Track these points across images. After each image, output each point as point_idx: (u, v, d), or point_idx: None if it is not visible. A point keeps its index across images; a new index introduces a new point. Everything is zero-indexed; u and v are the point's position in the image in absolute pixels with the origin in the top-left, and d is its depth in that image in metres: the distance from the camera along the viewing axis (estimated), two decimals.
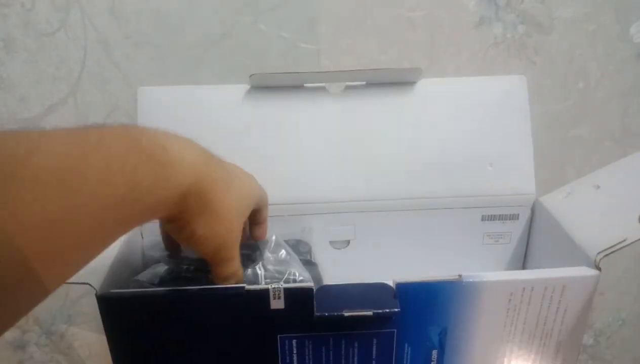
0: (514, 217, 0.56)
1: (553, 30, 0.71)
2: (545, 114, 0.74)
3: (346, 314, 0.38)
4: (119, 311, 0.39)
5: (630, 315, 0.89)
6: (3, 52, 0.64)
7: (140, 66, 0.67)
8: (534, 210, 0.56)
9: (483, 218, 0.56)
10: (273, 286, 0.38)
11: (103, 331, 0.39)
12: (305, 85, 0.54)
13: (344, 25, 0.68)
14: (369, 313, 0.38)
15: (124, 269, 0.45)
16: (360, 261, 0.56)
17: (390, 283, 0.40)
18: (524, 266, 0.58)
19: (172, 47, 0.66)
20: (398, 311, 0.38)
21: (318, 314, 0.38)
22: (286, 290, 0.38)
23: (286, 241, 0.49)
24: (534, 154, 0.55)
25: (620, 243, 0.40)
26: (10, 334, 0.77)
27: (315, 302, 0.38)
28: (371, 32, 0.69)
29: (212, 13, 0.66)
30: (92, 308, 0.76)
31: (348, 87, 0.55)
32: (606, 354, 0.92)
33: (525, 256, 0.58)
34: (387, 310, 0.38)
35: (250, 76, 0.52)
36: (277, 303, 0.38)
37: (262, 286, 0.38)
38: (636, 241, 0.40)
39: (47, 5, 0.63)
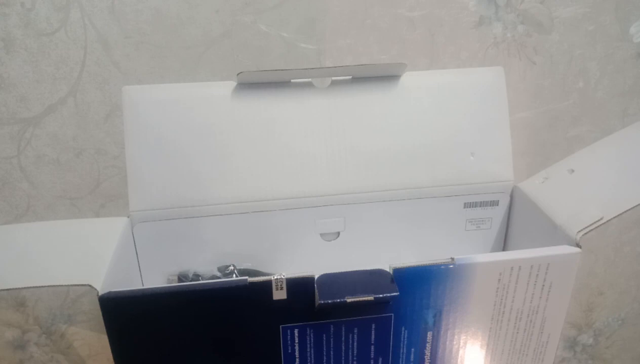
0: (494, 203, 0.58)
1: (553, 30, 0.71)
2: (545, 114, 0.74)
3: (349, 300, 0.39)
4: (123, 311, 0.39)
5: (629, 315, 0.88)
6: (3, 52, 0.64)
7: (141, 66, 0.67)
8: (513, 196, 0.57)
9: (465, 206, 0.57)
10: (275, 277, 0.38)
11: (103, 330, 0.39)
12: (292, 81, 0.55)
13: (344, 25, 0.69)
14: (370, 298, 0.39)
15: (122, 269, 0.46)
16: (350, 251, 0.57)
17: (387, 268, 0.41)
18: (504, 249, 0.60)
19: (172, 46, 0.67)
20: (397, 294, 0.39)
21: (321, 301, 0.38)
22: (288, 280, 0.38)
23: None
24: (534, 154, 0.55)
25: (597, 222, 0.44)
26: (10, 334, 0.77)
27: (316, 290, 0.39)
28: (371, 32, 0.69)
29: (212, 13, 0.66)
30: (92, 307, 0.76)
31: (334, 82, 0.55)
32: (606, 353, 0.91)
33: (505, 240, 0.60)
34: (387, 294, 0.39)
35: (238, 74, 0.52)
36: (279, 294, 0.39)
37: (265, 278, 0.39)
38: (612, 219, 0.43)
39: (47, 5, 0.63)
